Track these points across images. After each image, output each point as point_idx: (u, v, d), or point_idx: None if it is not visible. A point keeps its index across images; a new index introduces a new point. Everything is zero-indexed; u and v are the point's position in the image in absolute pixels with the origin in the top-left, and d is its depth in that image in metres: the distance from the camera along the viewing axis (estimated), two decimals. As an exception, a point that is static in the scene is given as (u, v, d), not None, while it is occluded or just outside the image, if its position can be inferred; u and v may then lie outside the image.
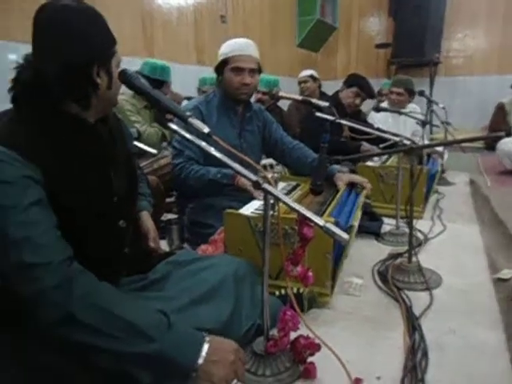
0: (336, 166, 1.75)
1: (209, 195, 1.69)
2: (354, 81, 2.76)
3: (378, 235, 1.81)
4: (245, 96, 1.77)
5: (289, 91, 4.32)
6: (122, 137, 1.09)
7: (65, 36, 0.84)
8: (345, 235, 0.75)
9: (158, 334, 0.78)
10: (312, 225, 0.79)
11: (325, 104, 1.68)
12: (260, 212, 1.31)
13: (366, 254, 1.61)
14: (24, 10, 2.17)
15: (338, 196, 1.50)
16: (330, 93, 3.99)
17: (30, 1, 2.20)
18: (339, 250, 1.23)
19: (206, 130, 0.86)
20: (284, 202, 0.78)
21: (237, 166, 0.85)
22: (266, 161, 2.30)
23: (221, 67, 1.75)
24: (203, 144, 0.87)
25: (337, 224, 1.19)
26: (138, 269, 1.09)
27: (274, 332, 0.98)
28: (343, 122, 1.74)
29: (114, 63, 0.92)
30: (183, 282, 1.06)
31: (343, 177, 1.68)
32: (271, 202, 0.87)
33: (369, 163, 2.29)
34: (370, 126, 2.86)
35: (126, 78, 0.91)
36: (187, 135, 0.88)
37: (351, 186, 1.69)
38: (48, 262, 0.74)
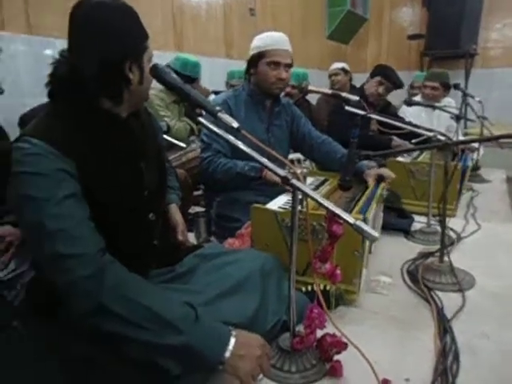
0: (365, 162, 1.71)
1: (236, 189, 1.70)
2: (377, 71, 2.69)
3: (407, 233, 1.76)
4: (278, 91, 1.76)
5: (318, 84, 4.27)
6: (152, 131, 1.10)
7: (99, 33, 0.86)
8: (375, 233, 0.73)
9: (186, 327, 0.79)
10: (341, 222, 0.77)
11: (355, 98, 1.65)
12: (287, 207, 1.30)
13: (394, 252, 1.58)
14: (60, 7, 2.24)
15: (367, 192, 1.46)
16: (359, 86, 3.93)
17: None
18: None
19: (235, 124, 0.86)
20: (313, 198, 0.77)
21: (265, 160, 0.84)
22: (293, 155, 2.28)
23: (254, 61, 1.73)
24: (231, 138, 0.87)
25: (365, 221, 1.18)
26: (167, 261, 1.11)
27: (300, 328, 0.97)
28: (374, 116, 1.70)
29: (146, 58, 0.93)
30: (209, 275, 1.07)
31: (372, 173, 1.64)
32: (299, 197, 0.86)
33: (399, 158, 2.23)
34: (401, 119, 2.80)
35: (157, 72, 0.92)
36: (216, 129, 0.88)
37: (379, 180, 1.65)
38: (81, 253, 0.76)
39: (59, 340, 0.82)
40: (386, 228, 1.71)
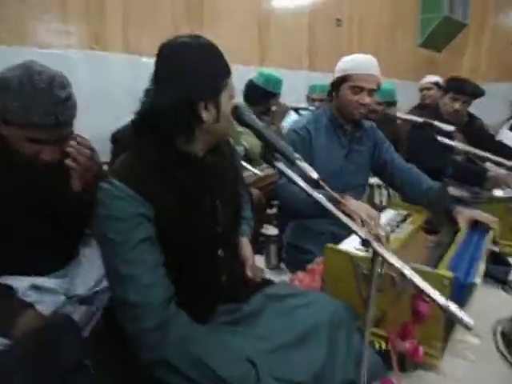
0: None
1: (310, 217, 1.64)
2: (449, 85, 2.39)
3: (504, 283, 1.55)
4: (360, 116, 1.66)
5: (406, 96, 3.97)
6: (233, 165, 1.10)
7: (176, 72, 0.87)
8: (470, 321, 0.63)
9: None
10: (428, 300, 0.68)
11: (450, 128, 1.50)
12: (365, 251, 1.21)
13: (487, 306, 1.38)
14: (154, 29, 2.38)
15: (458, 238, 1.31)
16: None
17: (158, 21, 2.41)
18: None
19: (315, 175, 0.81)
20: (398, 270, 0.69)
21: (345, 218, 0.77)
22: (373, 180, 2.16)
23: (337, 84, 1.66)
24: (311, 191, 0.81)
25: (455, 281, 1.05)
26: (234, 298, 1.09)
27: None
28: (469, 149, 1.53)
29: (225, 96, 0.92)
30: (276, 319, 1.02)
31: (465, 213, 1.46)
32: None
33: (497, 193, 1.98)
34: (497, 144, 2.49)
35: (237, 114, 0.90)
36: (294, 177, 0.84)
37: (474, 224, 1.46)
38: (148, 303, 0.78)
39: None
40: (478, 275, 1.53)
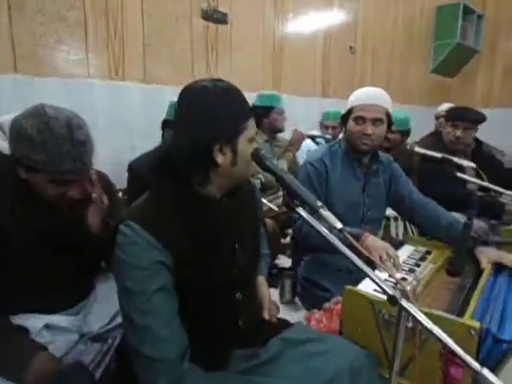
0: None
1: (328, 252, 1.61)
2: (448, 113, 2.40)
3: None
4: (365, 147, 1.65)
5: (420, 122, 3.97)
6: (253, 206, 1.08)
7: (194, 116, 0.87)
8: (508, 391, 0.59)
9: None
10: (461, 364, 0.64)
11: (470, 164, 1.47)
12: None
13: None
14: (170, 59, 2.43)
15: (482, 281, 1.26)
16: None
17: (175, 52, 2.47)
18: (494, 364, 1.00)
19: (339, 225, 0.79)
20: (427, 329, 0.66)
21: (368, 269, 0.75)
22: (389, 212, 2.12)
23: (345, 117, 1.70)
24: (335, 240, 0.79)
25: (487, 333, 1.00)
26: (251, 341, 1.06)
27: None
28: (491, 186, 1.50)
29: (244, 139, 0.90)
30: (295, 367, 0.99)
31: (489, 253, 1.41)
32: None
33: (517, 227, 1.92)
34: (500, 169, 2.44)
35: (257, 158, 0.90)
36: (316, 225, 0.82)
37: (498, 266, 1.41)
38: (164, 359, 0.77)
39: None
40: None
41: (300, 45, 3.53)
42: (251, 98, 3.05)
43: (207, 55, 2.72)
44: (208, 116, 0.87)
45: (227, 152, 0.89)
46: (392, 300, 0.69)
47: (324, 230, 0.82)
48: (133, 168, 1.83)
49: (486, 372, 0.60)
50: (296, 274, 1.73)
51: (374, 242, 1.38)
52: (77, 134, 1.01)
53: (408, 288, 0.74)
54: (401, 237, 2.16)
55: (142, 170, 1.72)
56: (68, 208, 1.11)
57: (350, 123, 1.66)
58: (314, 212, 0.82)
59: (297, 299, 1.73)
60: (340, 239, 0.81)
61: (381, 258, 1.30)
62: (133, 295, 0.79)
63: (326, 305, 1.38)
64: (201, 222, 0.90)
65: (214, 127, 0.87)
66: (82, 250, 1.16)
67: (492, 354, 0.99)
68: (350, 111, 1.67)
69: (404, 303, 0.69)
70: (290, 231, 2.33)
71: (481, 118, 2.28)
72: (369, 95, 1.64)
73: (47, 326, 1.07)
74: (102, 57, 2.13)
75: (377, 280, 0.72)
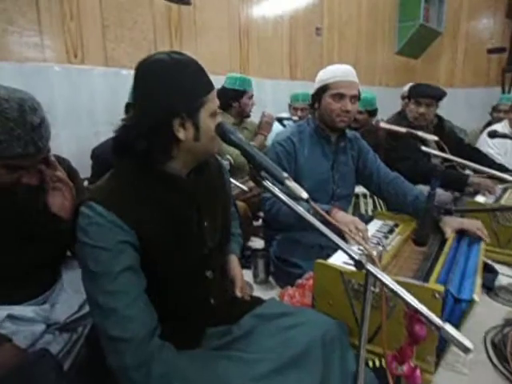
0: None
1: (298, 230, 1.62)
2: (410, 91, 2.46)
3: (490, 289, 1.56)
4: (343, 124, 1.66)
5: (387, 103, 4.04)
6: (222, 185, 1.06)
7: (150, 90, 0.84)
8: (468, 343, 0.61)
9: None
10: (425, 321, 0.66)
11: (433, 138, 1.51)
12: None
13: (475, 315, 1.37)
14: (131, 40, 2.34)
15: (446, 249, 1.30)
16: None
17: (137, 33, 2.38)
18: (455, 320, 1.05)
19: (305, 195, 0.78)
20: (392, 291, 0.67)
21: (335, 237, 0.75)
22: (358, 189, 2.16)
23: (319, 94, 1.68)
24: (299, 209, 0.79)
25: (448, 294, 1.04)
26: (224, 319, 1.06)
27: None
28: (454, 158, 1.54)
29: (206, 113, 0.87)
30: (268, 340, 0.99)
31: (452, 222, 1.47)
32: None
33: (479, 199, 2.01)
34: (462, 147, 2.53)
35: (221, 131, 0.88)
36: (282, 196, 0.81)
37: (461, 233, 1.47)
38: (131, 338, 0.75)
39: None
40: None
41: (266, 27, 3.48)
42: (218, 81, 3.01)
43: (171, 37, 2.64)
44: (164, 90, 0.83)
45: (189, 127, 0.86)
46: (358, 264, 0.70)
47: (291, 202, 0.81)
48: (96, 154, 1.76)
49: (448, 327, 0.62)
50: (269, 253, 1.73)
51: (343, 217, 1.40)
52: (30, 117, 0.94)
53: (374, 253, 0.74)
54: (370, 213, 2.20)
55: (106, 156, 1.66)
56: (27, 195, 1.05)
57: (327, 100, 1.64)
58: (281, 183, 0.81)
59: (271, 278, 1.74)
60: (308, 211, 0.81)
61: (350, 231, 1.32)
62: (97, 277, 0.76)
63: (299, 281, 1.40)
64: (166, 201, 0.87)
65: (172, 101, 0.83)
66: (47, 238, 1.11)
67: (453, 313, 1.03)
68: (324, 88, 1.64)
69: (370, 267, 0.70)
70: (262, 214, 2.33)
71: (441, 94, 2.35)
72: (345, 72, 1.63)
73: (10, 317, 1.02)
74: (58, 39, 2.02)
75: (343, 246, 0.72)
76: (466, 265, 1.23)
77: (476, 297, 1.02)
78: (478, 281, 1.12)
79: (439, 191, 2.11)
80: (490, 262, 1.71)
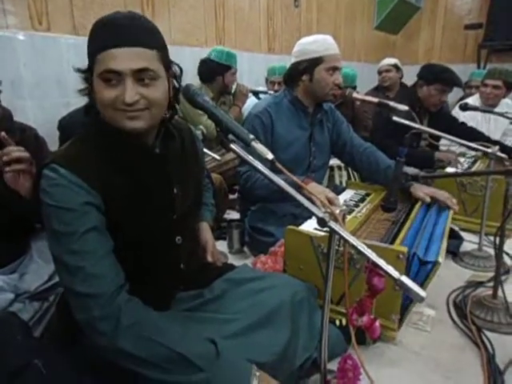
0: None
1: (272, 202, 1.63)
2: (434, 75, 2.28)
3: (455, 255, 1.63)
4: (333, 97, 1.66)
5: (365, 78, 4.04)
6: (194, 154, 1.06)
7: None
8: (422, 293, 0.64)
9: (206, 364, 0.78)
10: (383, 274, 0.69)
11: (403, 107, 1.52)
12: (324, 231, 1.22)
13: (440, 278, 1.43)
14: (102, 8, 2.25)
15: (412, 215, 1.35)
16: (408, 80, 3.66)
17: (105, 2, 2.28)
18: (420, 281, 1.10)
19: (270, 156, 0.79)
20: (352, 246, 0.69)
21: (301, 198, 0.76)
22: (333, 162, 2.18)
23: (310, 67, 1.60)
24: (266, 171, 0.79)
25: (414, 257, 1.08)
26: (195, 283, 1.07)
27: (332, 367, 0.91)
28: (424, 128, 1.57)
29: (97, 74, 0.77)
30: (239, 303, 1.02)
31: (424, 189, 1.51)
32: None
33: (449, 170, 2.06)
34: (455, 122, 2.57)
35: (188, 94, 0.86)
36: (249, 159, 0.81)
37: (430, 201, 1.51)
38: (98, 293, 0.75)
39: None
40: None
41: (243, -2, 3.40)
42: (194, 52, 2.94)
43: (142, 5, 2.54)
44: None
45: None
46: (321, 222, 0.71)
47: (261, 167, 0.81)
48: (63, 125, 1.71)
49: (403, 278, 0.65)
50: (244, 224, 1.75)
51: (314, 187, 1.43)
52: None
53: (337, 211, 0.76)
54: (344, 185, 2.23)
55: (72, 126, 1.61)
56: None
57: (322, 74, 1.59)
58: (247, 145, 0.81)
59: (245, 249, 1.76)
60: (273, 171, 0.81)
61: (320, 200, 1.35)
62: (62, 237, 0.76)
63: (272, 248, 1.42)
64: (130, 166, 0.86)
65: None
66: (12, 213, 1.08)
67: (419, 274, 1.07)
68: (318, 61, 1.58)
69: (333, 225, 0.71)
70: (238, 187, 2.34)
71: (461, 85, 2.35)
72: (335, 44, 1.61)
73: (-23, 286, 1.01)
74: (21, 4, 1.91)
75: (307, 205, 0.74)
76: (434, 231, 1.27)
77: (440, 259, 1.06)
78: (444, 245, 1.16)
79: (408, 169, 2.15)
80: (456, 228, 1.78)
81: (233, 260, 1.66)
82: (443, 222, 1.38)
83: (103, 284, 0.76)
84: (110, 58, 0.75)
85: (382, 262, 0.67)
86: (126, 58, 0.75)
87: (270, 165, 0.79)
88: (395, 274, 0.66)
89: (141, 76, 0.77)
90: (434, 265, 1.05)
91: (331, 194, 1.37)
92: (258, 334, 0.94)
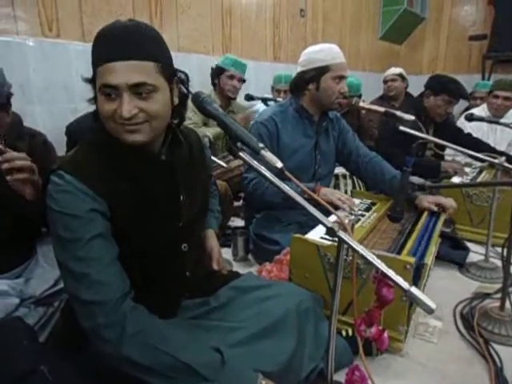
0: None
1: (279, 209, 1.63)
2: (441, 86, 2.29)
3: (461, 266, 1.61)
4: (338, 105, 1.68)
5: (370, 88, 4.05)
6: (202, 162, 1.06)
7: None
8: (432, 304, 0.64)
9: (211, 373, 0.78)
10: (392, 285, 0.68)
11: (410, 117, 1.52)
12: (331, 240, 1.22)
13: (446, 289, 1.44)
14: (111, 15, 2.28)
15: (419, 225, 1.34)
16: (412, 90, 3.67)
17: (115, 9, 2.31)
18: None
19: (279, 164, 0.79)
20: (362, 256, 0.69)
21: (309, 206, 0.76)
22: (338, 170, 2.18)
23: (316, 75, 1.61)
24: (275, 180, 0.79)
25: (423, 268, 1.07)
26: (201, 291, 1.07)
27: (338, 378, 0.90)
28: (431, 138, 1.57)
29: (98, 84, 0.77)
30: (245, 311, 1.01)
31: (428, 198, 1.51)
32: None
33: (455, 179, 2.06)
34: (460, 133, 2.57)
35: (197, 102, 0.87)
36: (258, 167, 0.81)
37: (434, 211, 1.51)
38: (103, 301, 0.75)
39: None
40: (439, 259, 1.58)
41: (250, 7, 3.43)
42: (200, 60, 2.96)
43: (151, 13, 2.57)
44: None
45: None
46: (330, 231, 0.71)
47: (269, 174, 0.81)
48: (70, 130, 1.72)
49: (413, 289, 0.64)
50: (248, 231, 1.75)
51: (327, 192, 1.48)
52: None
53: (346, 221, 0.76)
54: (349, 193, 2.23)
55: (80, 132, 1.62)
56: None
57: (329, 82, 1.60)
58: (256, 153, 0.81)
59: (250, 256, 1.75)
60: (281, 179, 0.81)
61: (339, 199, 1.47)
62: (67, 243, 0.76)
63: (277, 256, 1.42)
64: (136, 173, 0.86)
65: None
66: (18, 216, 1.08)
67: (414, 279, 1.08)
68: (325, 70, 1.59)
69: (342, 234, 0.71)
70: (243, 194, 2.34)
71: (468, 97, 2.38)
72: (341, 53, 1.62)
73: (-17, 290, 1.01)
74: (32, 10, 1.94)
75: (316, 214, 0.74)
76: (424, 234, 1.30)
77: (427, 260, 1.07)
78: (432, 248, 1.18)
79: (414, 179, 2.14)
80: (463, 239, 1.77)
81: (237, 268, 1.65)
82: (436, 227, 1.40)
83: (108, 291, 0.76)
84: (107, 71, 0.74)
85: (391, 273, 0.67)
86: (122, 72, 0.74)
87: (279, 173, 0.79)
88: (405, 285, 0.65)
89: (138, 90, 0.76)
90: (422, 267, 1.06)
91: (344, 196, 1.41)
92: (263, 342, 0.93)
